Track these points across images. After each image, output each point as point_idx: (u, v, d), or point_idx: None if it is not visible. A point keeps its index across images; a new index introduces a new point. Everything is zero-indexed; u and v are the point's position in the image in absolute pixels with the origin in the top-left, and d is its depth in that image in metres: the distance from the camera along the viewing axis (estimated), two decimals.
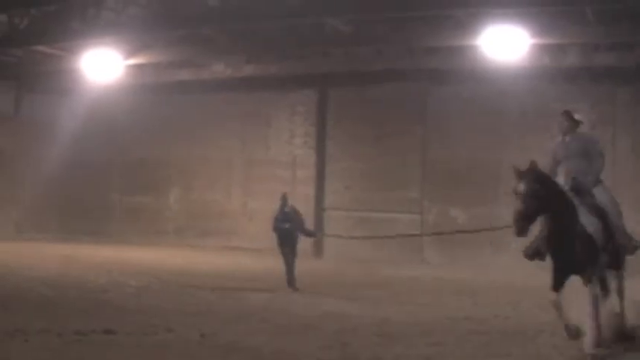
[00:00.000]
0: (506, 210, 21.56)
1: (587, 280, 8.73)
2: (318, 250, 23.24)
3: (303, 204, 23.10)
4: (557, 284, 8.84)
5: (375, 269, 19.34)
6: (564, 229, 8.83)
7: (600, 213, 9.14)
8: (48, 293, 13.25)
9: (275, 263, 15.64)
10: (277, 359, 8.86)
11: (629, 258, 9.65)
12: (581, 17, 17.45)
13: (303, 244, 16.34)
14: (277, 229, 15.41)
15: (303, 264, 15.73)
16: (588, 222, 8.86)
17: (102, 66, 21.19)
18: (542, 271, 9.35)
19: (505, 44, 18.02)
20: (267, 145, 25.00)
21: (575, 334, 8.79)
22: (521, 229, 8.51)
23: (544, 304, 9.52)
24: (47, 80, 25.52)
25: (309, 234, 16.60)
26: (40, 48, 21.95)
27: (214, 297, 13.77)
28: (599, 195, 9.40)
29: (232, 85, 24.05)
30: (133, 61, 21.51)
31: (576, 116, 10.10)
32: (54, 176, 26.76)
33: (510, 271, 16.92)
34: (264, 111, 24.98)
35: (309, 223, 23.47)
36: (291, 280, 15.08)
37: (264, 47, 21.26)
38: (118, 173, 27.17)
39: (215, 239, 24.74)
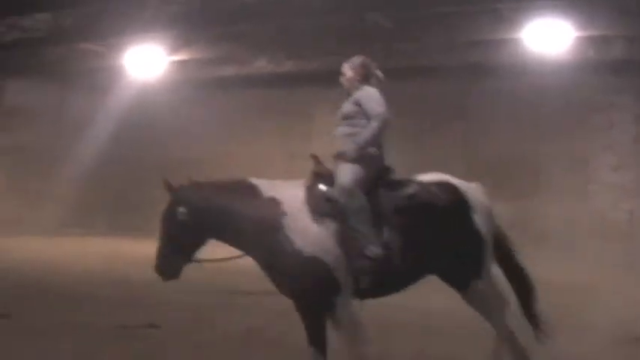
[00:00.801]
0: (549, 204, 21.68)
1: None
2: None
3: None
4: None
5: None
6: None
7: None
8: (92, 288, 13.39)
9: None
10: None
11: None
12: (627, 9, 17.23)
13: None
14: None
15: None
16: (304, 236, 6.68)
17: (144, 62, 21.33)
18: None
19: (548, 37, 17.87)
20: (310, 140, 25.02)
21: None
22: (163, 269, 7.10)
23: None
24: (90, 77, 25.76)
25: None
26: (84, 46, 22.14)
27: (259, 292, 13.82)
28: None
29: (274, 80, 24.11)
30: (175, 57, 21.63)
31: (359, 63, 8.19)
32: (97, 173, 27.05)
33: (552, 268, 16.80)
34: (306, 107, 25.03)
35: None
36: None
37: (305, 43, 21.26)
38: (161, 170, 27.30)
39: None
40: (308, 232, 6.63)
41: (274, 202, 6.85)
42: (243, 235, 6.83)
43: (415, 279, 7.20)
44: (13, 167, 24.91)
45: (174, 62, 22.04)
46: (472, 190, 7.43)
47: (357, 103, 7.48)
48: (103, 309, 11.26)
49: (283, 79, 23.90)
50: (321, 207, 6.79)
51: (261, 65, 22.93)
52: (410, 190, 7.17)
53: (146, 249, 19.32)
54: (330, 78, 23.23)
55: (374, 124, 7.28)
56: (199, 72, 23.71)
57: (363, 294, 6.85)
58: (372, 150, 7.30)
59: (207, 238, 6.97)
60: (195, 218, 6.87)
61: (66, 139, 26.75)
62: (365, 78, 7.97)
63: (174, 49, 21.29)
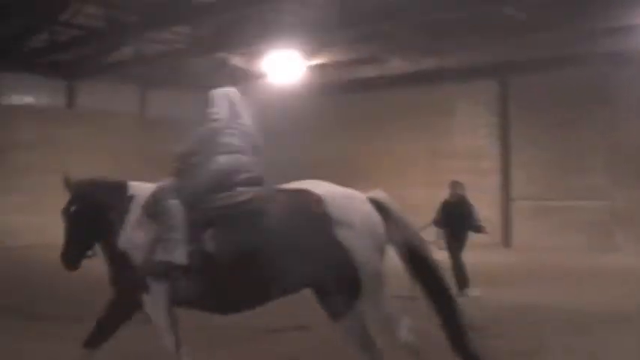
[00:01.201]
0: None
1: None
2: (506, 239, 22.98)
3: (489, 195, 22.90)
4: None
5: (564, 258, 18.89)
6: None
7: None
8: None
9: (467, 256, 15.29)
10: None
11: None
12: None
13: (493, 234, 15.95)
14: (444, 221, 14.01)
15: (491, 254, 15.46)
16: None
17: (283, 68, 21.59)
18: None
19: None
20: (450, 136, 24.85)
21: None
22: (64, 260, 6.81)
23: None
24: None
25: (477, 228, 14.13)
26: (223, 55, 22.58)
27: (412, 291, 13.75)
28: None
29: (413, 78, 24.02)
30: (314, 61, 21.82)
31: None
32: None
33: None
34: (446, 103, 24.84)
35: (496, 215, 23.29)
36: (462, 281, 13.29)
37: (441, 39, 21.09)
38: (302, 173, 27.56)
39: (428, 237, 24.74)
40: (130, 229, 6.59)
41: (127, 200, 6.77)
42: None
43: (265, 295, 6.69)
44: (160, 176, 25.63)
45: (312, 66, 22.23)
46: (345, 201, 6.49)
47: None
48: (249, 312, 11.40)
49: (422, 76, 23.79)
50: (149, 208, 6.63)
51: (399, 64, 22.89)
52: (242, 198, 6.59)
53: None
54: (469, 73, 23.04)
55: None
56: (338, 74, 23.85)
57: (186, 302, 6.62)
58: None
59: (97, 234, 6.86)
60: (81, 214, 6.90)
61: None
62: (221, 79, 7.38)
63: (312, 53, 21.47)
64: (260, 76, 22.54)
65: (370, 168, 26.13)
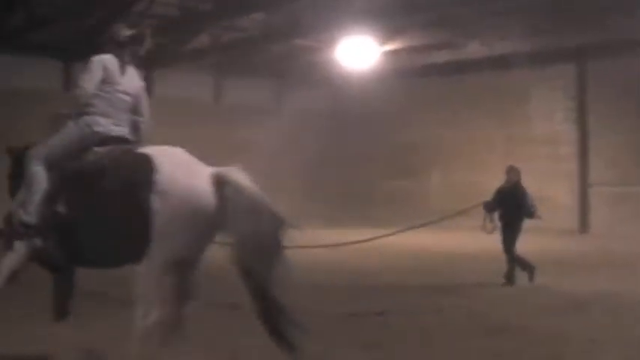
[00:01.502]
0: None
1: None
2: (583, 225, 22.68)
3: (567, 181, 22.60)
4: None
5: None
6: None
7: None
8: (320, 277, 13.66)
9: (543, 242, 15.12)
10: (550, 339, 8.68)
11: None
12: None
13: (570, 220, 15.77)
14: (497, 207, 13.65)
15: (568, 241, 15.25)
16: None
17: (358, 54, 21.56)
18: None
19: None
20: (527, 122, 24.57)
21: None
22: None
23: None
24: (306, 72, 26.34)
25: (530, 214, 13.48)
26: (297, 42, 22.66)
27: (480, 277, 13.71)
28: None
29: (488, 63, 23.80)
30: (388, 47, 21.76)
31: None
32: (319, 165, 27.61)
33: None
34: (522, 88, 24.58)
35: (573, 201, 23.00)
36: (510, 273, 13.04)
37: (517, 23, 20.84)
38: (378, 158, 27.63)
39: (477, 220, 24.59)
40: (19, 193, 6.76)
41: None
42: None
43: (113, 255, 6.40)
44: (237, 163, 25.81)
45: (386, 52, 22.17)
46: (178, 172, 6.27)
47: None
48: (332, 297, 11.49)
49: (497, 61, 23.54)
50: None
51: (475, 49, 22.70)
52: (90, 158, 6.57)
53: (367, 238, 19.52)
54: (546, 57, 22.67)
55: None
56: (412, 60, 23.75)
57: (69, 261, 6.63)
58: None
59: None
60: (10, 178, 7.13)
61: (284, 134, 27.46)
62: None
63: (386, 39, 21.41)
64: (334, 62, 22.56)
65: (445, 154, 26.02)
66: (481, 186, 25.10)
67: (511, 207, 13.39)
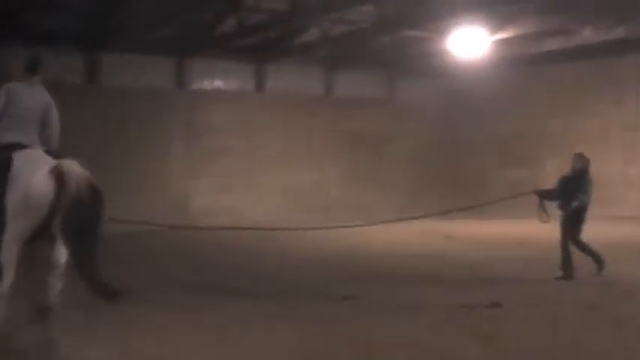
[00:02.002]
0: None
1: None
2: None
3: None
4: None
5: None
6: None
7: None
8: (433, 268, 13.63)
9: None
10: None
11: None
12: None
13: None
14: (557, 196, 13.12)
15: None
16: None
17: (468, 43, 21.32)
18: None
19: None
20: None
21: None
22: None
23: None
24: (416, 63, 26.23)
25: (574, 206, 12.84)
26: (407, 33, 22.55)
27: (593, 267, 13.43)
28: None
29: (603, 49, 23.20)
30: (499, 35, 21.45)
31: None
32: (431, 156, 27.52)
33: None
34: (638, 74, 23.96)
35: None
36: (567, 268, 12.42)
37: (634, 6, 20.25)
38: (493, 148, 27.33)
39: (594, 209, 24.10)
40: None
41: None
42: None
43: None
44: (350, 154, 25.87)
45: (498, 40, 21.85)
46: (25, 166, 7.57)
47: None
48: (445, 289, 11.43)
49: (613, 46, 22.94)
50: None
51: (588, 35, 22.15)
52: None
53: (481, 228, 19.44)
54: None
55: None
56: (525, 47, 23.34)
57: None
58: None
59: None
60: None
61: (396, 125, 27.43)
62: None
63: (497, 28, 21.11)
64: (445, 52, 22.37)
65: (561, 143, 25.52)
66: (597, 175, 24.64)
67: (568, 196, 12.82)
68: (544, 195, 13.50)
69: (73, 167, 7.47)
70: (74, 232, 7.41)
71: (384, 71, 27.29)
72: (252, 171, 23.92)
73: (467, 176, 27.64)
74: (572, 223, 12.69)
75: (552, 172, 25.69)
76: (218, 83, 24.10)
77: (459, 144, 27.90)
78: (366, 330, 8.55)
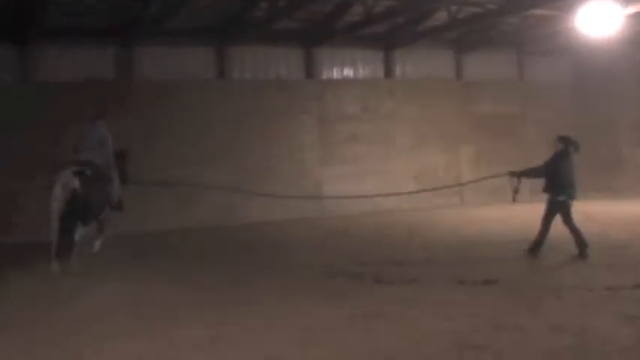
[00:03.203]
0: None
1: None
2: None
3: None
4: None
5: None
6: None
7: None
8: (573, 250, 13.44)
9: None
10: None
11: None
12: None
13: None
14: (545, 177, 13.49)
15: None
16: None
17: (599, 20, 20.85)
18: None
19: None
20: None
21: None
22: None
23: None
24: (545, 42, 25.84)
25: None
26: (535, 12, 22.22)
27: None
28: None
29: None
30: (632, 9, 20.90)
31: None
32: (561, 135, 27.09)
33: None
34: None
35: None
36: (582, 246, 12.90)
37: None
38: (627, 127, 26.69)
39: None
40: None
41: None
42: None
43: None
44: (481, 137, 25.65)
45: (630, 15, 21.30)
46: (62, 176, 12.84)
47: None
48: (588, 270, 11.30)
49: None
50: None
51: None
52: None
53: (617, 209, 19.06)
54: None
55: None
56: None
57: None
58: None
59: None
60: None
61: (527, 105, 27.07)
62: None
63: (629, 1, 20.58)
64: (574, 30, 21.95)
65: None
66: None
67: (560, 187, 13.20)
68: (522, 174, 13.95)
69: (67, 180, 12.66)
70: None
71: (513, 52, 26.98)
72: (384, 157, 23.99)
73: (601, 155, 27.07)
74: (567, 211, 13.14)
75: None
76: (347, 71, 24.26)
77: (592, 123, 27.29)
78: (510, 314, 8.56)
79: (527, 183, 14.38)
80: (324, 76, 23.76)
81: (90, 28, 19.80)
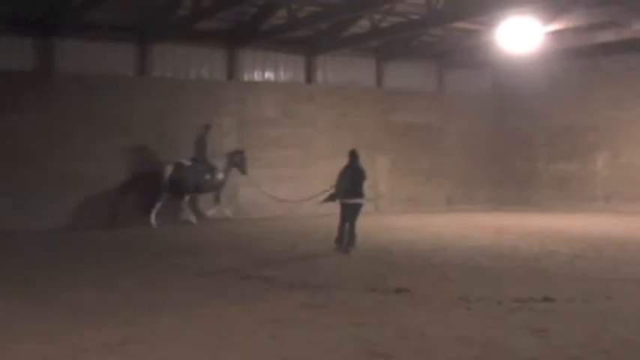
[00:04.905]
0: None
1: None
2: None
3: None
4: None
5: None
6: None
7: None
8: (484, 262, 13.64)
9: None
10: None
11: None
12: None
13: None
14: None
15: None
16: None
17: (519, 36, 21.19)
18: None
19: None
20: None
21: None
22: None
23: None
24: (466, 55, 26.16)
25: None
26: (458, 24, 22.47)
27: None
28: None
29: None
30: (551, 27, 21.28)
31: None
32: (479, 148, 27.48)
33: None
34: None
35: None
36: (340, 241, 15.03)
37: None
38: (542, 141, 27.17)
39: (634, 205, 23.99)
40: None
41: None
42: None
43: None
44: (399, 146, 25.86)
45: (550, 32, 21.69)
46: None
47: None
48: (497, 282, 11.46)
49: None
50: None
51: None
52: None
53: (530, 222, 19.41)
54: None
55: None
56: (577, 40, 23.12)
57: None
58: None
59: None
60: None
61: (446, 116, 27.39)
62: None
63: (551, 19, 20.95)
64: (494, 45, 22.25)
65: (612, 136, 25.36)
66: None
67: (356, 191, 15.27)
68: (335, 197, 15.57)
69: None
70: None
71: (434, 63, 27.25)
72: (301, 162, 24.02)
73: (516, 169, 27.54)
74: (356, 212, 15.11)
75: (604, 166, 25.60)
76: (269, 75, 24.21)
77: (509, 136, 27.76)
78: (417, 323, 8.61)
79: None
80: (246, 78, 23.69)
81: (9, 17, 19.42)
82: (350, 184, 15.04)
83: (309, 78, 24.92)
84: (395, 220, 20.06)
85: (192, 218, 21.19)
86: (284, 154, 23.88)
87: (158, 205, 20.46)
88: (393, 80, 26.59)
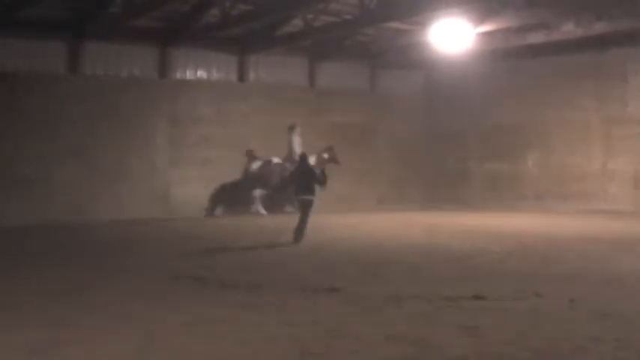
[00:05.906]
0: None
1: None
2: None
3: None
4: None
5: None
6: None
7: None
8: (416, 260, 13.69)
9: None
10: None
11: None
12: None
13: None
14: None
15: None
16: None
17: (451, 36, 21.38)
18: None
19: None
20: (625, 102, 24.11)
21: None
22: None
23: None
24: (398, 55, 26.30)
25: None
26: (391, 24, 22.60)
27: (580, 261, 13.53)
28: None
29: (584, 44, 23.40)
30: (482, 28, 21.52)
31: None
32: (411, 148, 27.64)
33: None
34: (619, 68, 24.15)
35: None
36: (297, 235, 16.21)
37: (616, 2, 20.38)
38: (474, 141, 27.45)
39: (575, 202, 24.34)
40: None
41: None
42: None
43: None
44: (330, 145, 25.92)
45: (481, 33, 21.93)
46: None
47: None
48: (428, 281, 11.50)
49: (594, 41, 23.12)
50: None
51: (570, 29, 22.25)
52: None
53: (462, 220, 19.57)
54: None
55: None
56: (507, 41, 23.42)
57: None
58: None
59: None
60: None
61: (378, 116, 27.51)
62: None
63: (482, 20, 21.18)
64: (427, 45, 22.41)
65: (542, 136, 25.73)
66: (578, 168, 24.89)
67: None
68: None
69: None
70: None
71: (366, 63, 27.36)
72: (233, 162, 23.92)
73: (448, 168, 27.78)
74: (306, 207, 16.56)
75: (533, 165, 25.96)
76: (201, 73, 24.07)
77: (441, 136, 28.00)
78: (349, 322, 8.60)
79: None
80: (178, 76, 23.52)
81: None
82: (297, 183, 16.85)
83: (242, 77, 24.84)
84: (326, 219, 20.05)
85: (262, 211, 23.17)
86: (216, 154, 23.76)
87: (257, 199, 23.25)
88: (326, 80, 26.64)
